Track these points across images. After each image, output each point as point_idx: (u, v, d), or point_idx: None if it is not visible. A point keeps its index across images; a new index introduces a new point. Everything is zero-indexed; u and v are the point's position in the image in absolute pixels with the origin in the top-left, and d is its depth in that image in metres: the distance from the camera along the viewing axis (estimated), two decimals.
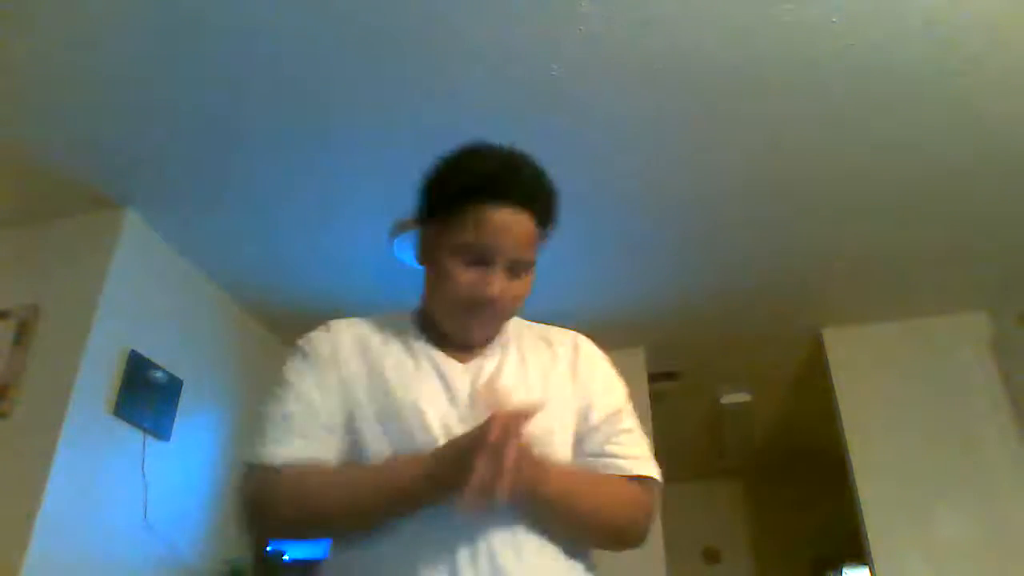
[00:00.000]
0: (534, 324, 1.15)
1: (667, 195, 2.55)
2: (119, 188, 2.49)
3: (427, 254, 1.05)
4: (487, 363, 1.04)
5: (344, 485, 0.93)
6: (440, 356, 1.03)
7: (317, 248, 2.86)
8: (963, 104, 2.12)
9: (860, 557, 3.19)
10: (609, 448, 1.02)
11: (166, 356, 2.63)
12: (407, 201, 2.92)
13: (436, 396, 0.98)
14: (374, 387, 0.99)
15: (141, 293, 2.59)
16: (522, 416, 0.82)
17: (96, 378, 2.34)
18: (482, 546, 0.88)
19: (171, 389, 2.65)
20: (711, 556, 5.57)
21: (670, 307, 3.26)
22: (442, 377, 1.00)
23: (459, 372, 1.02)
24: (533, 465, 0.87)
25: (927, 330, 3.27)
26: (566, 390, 1.05)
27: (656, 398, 3.65)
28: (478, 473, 0.80)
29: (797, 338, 3.51)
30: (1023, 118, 2.18)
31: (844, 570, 4.96)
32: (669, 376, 3.87)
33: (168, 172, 2.43)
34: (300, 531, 1.02)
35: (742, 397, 4.18)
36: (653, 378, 3.65)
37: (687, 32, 1.91)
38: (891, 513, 3.01)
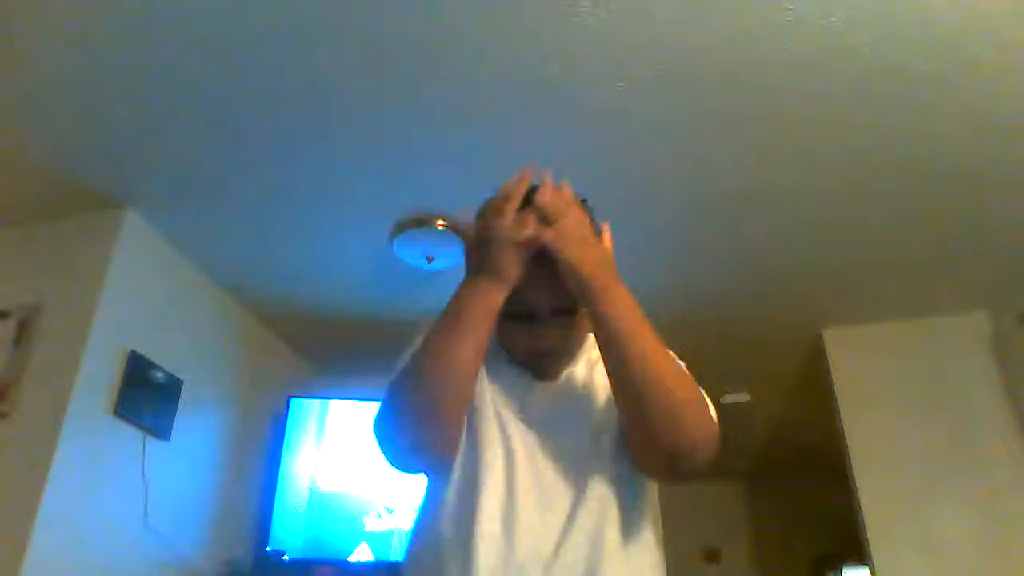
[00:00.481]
0: None
1: (667, 195, 2.55)
2: (119, 188, 2.49)
3: None
4: (559, 382, 1.11)
5: (433, 327, 1.01)
6: (518, 372, 1.12)
7: (317, 248, 2.86)
8: (963, 104, 2.12)
9: (860, 557, 3.19)
10: None
11: (166, 356, 2.63)
12: (407, 201, 2.91)
13: (509, 403, 1.07)
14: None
15: (141, 293, 2.59)
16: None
17: (96, 378, 2.33)
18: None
19: (171, 389, 2.65)
20: (711, 556, 5.57)
21: (670, 307, 3.26)
22: (515, 390, 1.09)
23: (533, 388, 1.10)
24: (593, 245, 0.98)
25: (927, 330, 3.26)
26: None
27: None
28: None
29: (797, 338, 3.51)
30: (1023, 118, 2.18)
31: (844, 570, 4.97)
32: None
33: (168, 172, 2.43)
34: (416, 405, 1.00)
35: (742, 397, 4.18)
36: None
37: (687, 32, 1.90)
38: (891, 513, 3.01)
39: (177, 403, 2.67)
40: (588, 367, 1.14)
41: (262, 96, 2.12)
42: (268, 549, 3.01)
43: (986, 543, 2.85)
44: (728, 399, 4.17)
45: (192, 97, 2.12)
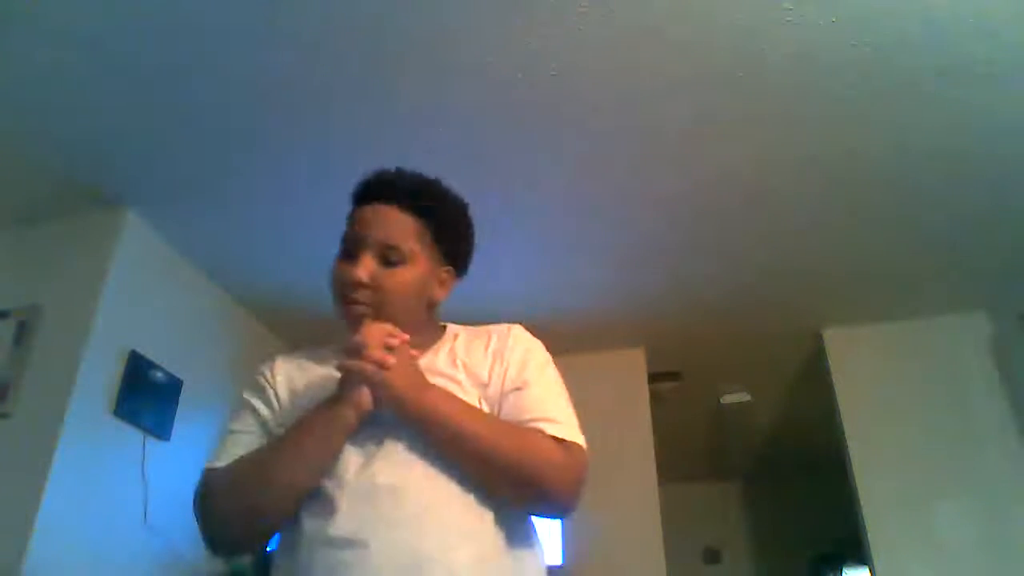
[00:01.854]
0: (477, 327, 1.20)
1: (668, 196, 2.55)
2: (119, 188, 2.49)
3: None
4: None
5: (267, 448, 1.06)
6: None
7: (317, 248, 2.84)
8: (963, 104, 2.12)
9: (860, 557, 3.19)
10: (515, 409, 1.05)
11: (166, 356, 2.63)
12: None
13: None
14: (298, 399, 1.12)
15: (141, 293, 2.59)
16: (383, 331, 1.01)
17: (96, 378, 2.33)
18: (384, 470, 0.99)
19: (171, 389, 2.65)
20: (711, 556, 5.57)
21: (670, 307, 3.26)
22: None
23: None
24: (406, 369, 1.01)
25: (927, 330, 3.27)
26: (483, 370, 1.11)
27: (656, 398, 3.65)
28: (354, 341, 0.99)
29: (797, 338, 3.51)
30: (1022, 118, 2.18)
31: (844, 570, 4.96)
32: (669, 376, 3.87)
33: (168, 172, 2.43)
34: (241, 515, 1.06)
35: (742, 397, 4.18)
36: (653, 378, 3.65)
37: (687, 33, 1.90)
38: (891, 513, 3.01)
39: (177, 403, 2.67)
40: (446, 355, 1.13)
41: (263, 96, 2.12)
42: (268, 549, 3.00)
43: (986, 543, 2.85)
44: (728, 399, 4.18)
45: (192, 97, 2.12)
